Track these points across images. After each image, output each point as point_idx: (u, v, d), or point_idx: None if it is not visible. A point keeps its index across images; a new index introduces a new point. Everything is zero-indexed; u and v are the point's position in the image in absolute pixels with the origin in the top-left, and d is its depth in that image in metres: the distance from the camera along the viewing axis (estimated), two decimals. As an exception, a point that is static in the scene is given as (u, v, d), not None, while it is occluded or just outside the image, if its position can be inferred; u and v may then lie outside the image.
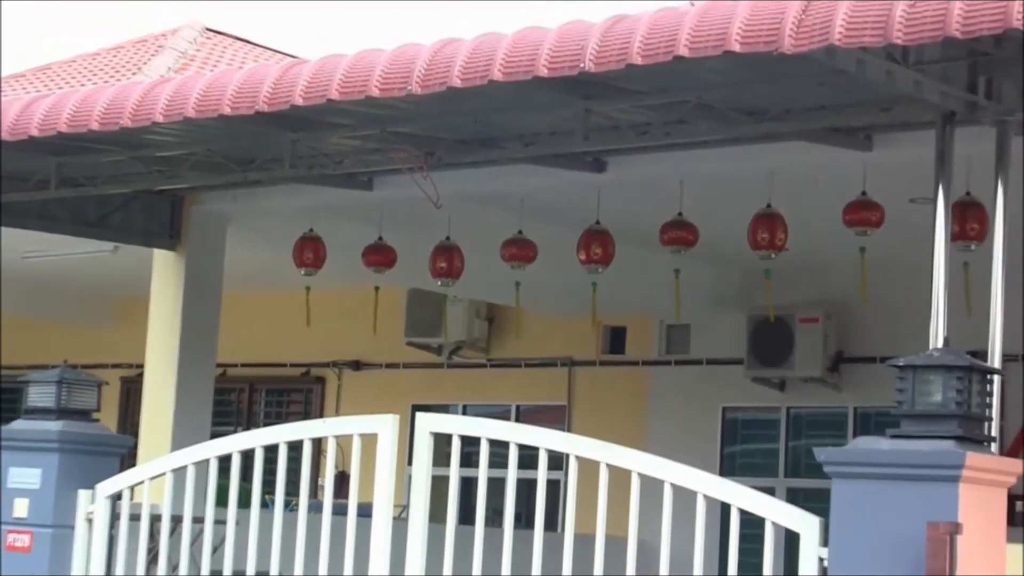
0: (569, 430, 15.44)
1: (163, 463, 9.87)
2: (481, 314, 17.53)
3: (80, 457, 9.92)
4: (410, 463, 8.73)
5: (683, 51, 7.56)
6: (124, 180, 11.65)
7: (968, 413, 7.18)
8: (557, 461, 8.32)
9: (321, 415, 18.14)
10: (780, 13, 7.39)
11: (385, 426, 8.71)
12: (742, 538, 7.62)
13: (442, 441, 8.63)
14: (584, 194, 11.80)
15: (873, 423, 15.00)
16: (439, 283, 13.36)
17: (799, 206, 11.34)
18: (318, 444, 9.16)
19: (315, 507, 9.03)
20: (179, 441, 12.21)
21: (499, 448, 8.41)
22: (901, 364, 7.29)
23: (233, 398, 19.01)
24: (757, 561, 7.50)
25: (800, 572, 7.39)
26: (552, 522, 8.97)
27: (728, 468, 15.85)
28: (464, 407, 17.49)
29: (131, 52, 18.41)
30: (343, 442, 9.14)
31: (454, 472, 8.48)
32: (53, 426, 9.91)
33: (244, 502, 9.29)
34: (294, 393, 19.33)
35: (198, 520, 9.49)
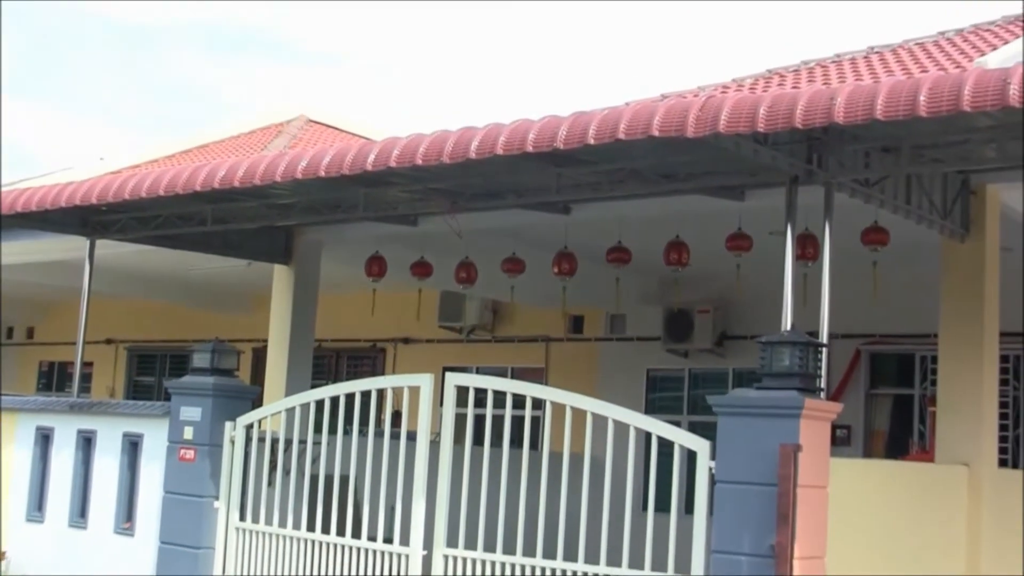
0: (546, 384, 15.43)
1: (280, 405, 9.87)
2: (488, 307, 17.47)
3: (226, 400, 9.93)
4: (441, 405, 8.73)
5: (621, 135, 7.54)
6: (254, 218, 11.62)
7: (806, 372, 7.21)
8: (538, 404, 8.32)
9: (383, 374, 18.10)
10: (685, 111, 7.38)
11: (425, 381, 8.72)
12: (659, 454, 7.63)
13: (463, 391, 8.64)
14: (557, 229, 11.77)
15: (745, 379, 14.93)
16: (461, 287, 13.34)
17: (697, 236, 11.33)
18: (381, 393, 9.16)
19: (379, 434, 9.03)
20: (290, 391, 12.16)
21: (500, 396, 8.41)
22: (763, 340, 7.31)
23: (325, 362, 18.95)
24: (669, 469, 7.51)
25: (697, 477, 7.41)
26: (535, 444, 8.95)
27: (651, 409, 15.80)
28: (477, 368, 17.43)
29: (259, 136, 18.43)
30: (397, 391, 9.14)
31: (470, 411, 8.49)
32: (209, 380, 9.93)
33: (332, 430, 9.30)
34: (365, 359, 19.28)
35: (302, 442, 9.50)
